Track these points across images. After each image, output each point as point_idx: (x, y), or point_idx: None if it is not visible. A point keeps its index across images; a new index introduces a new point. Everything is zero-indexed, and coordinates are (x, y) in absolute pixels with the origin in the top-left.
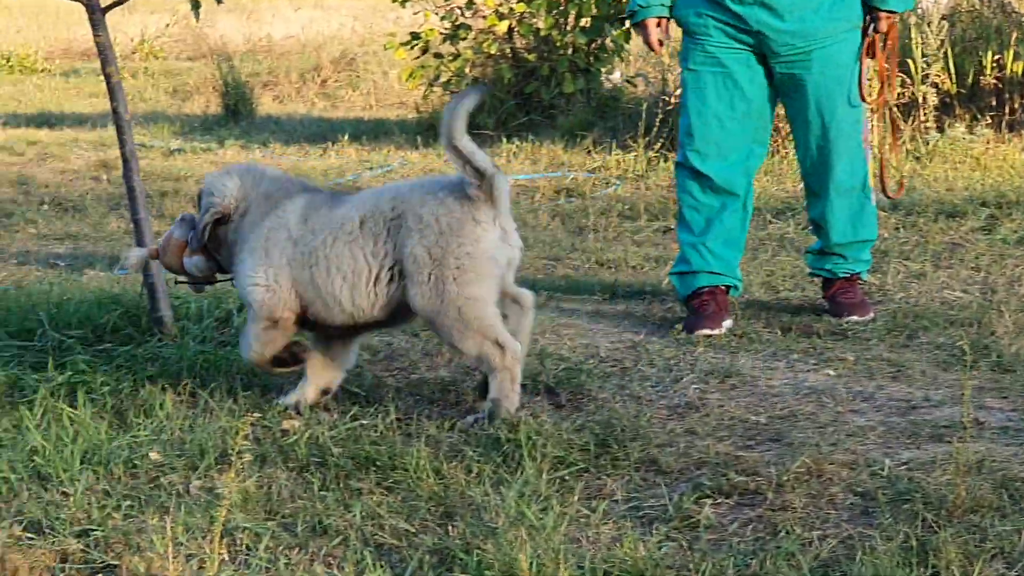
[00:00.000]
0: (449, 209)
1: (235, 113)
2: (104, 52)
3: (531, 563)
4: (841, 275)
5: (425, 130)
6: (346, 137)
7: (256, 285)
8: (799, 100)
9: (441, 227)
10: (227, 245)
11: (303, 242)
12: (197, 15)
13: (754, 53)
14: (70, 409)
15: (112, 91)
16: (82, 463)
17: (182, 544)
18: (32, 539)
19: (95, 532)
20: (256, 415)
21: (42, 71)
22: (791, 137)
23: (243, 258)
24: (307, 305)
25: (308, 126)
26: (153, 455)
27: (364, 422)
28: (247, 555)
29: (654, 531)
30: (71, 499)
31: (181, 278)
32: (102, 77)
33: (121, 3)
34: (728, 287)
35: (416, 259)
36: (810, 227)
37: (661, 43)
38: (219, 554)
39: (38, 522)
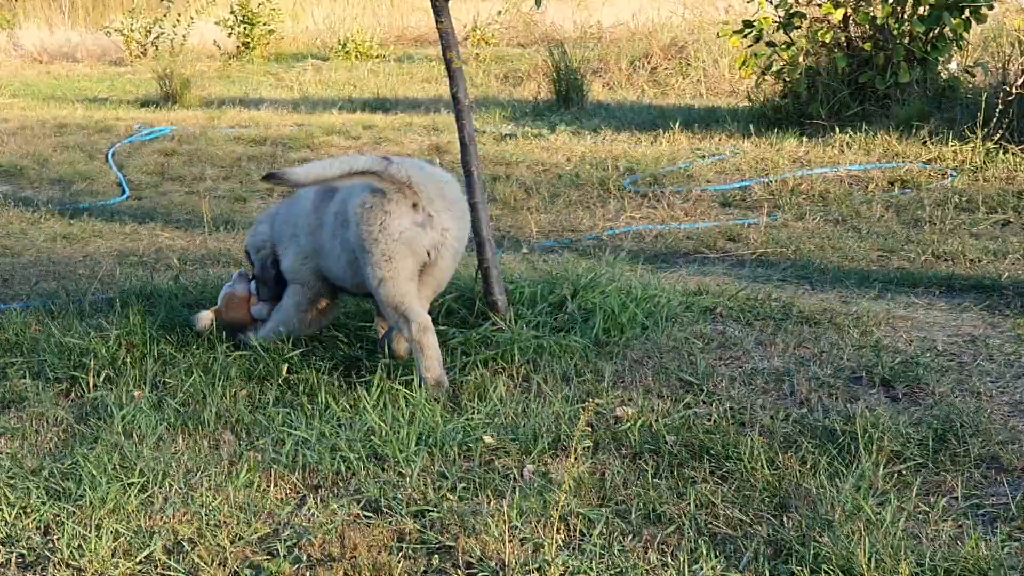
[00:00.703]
0: (363, 202)
1: (566, 99)
2: (446, 38)
3: (869, 558)
4: None
5: (757, 119)
6: (677, 125)
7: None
8: None
9: (359, 218)
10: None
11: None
12: (539, 2)
13: None
14: (406, 390)
15: (452, 76)
16: (417, 444)
17: (517, 527)
18: (370, 517)
19: (431, 513)
20: (591, 402)
21: (376, 57)
22: None
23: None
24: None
25: (638, 113)
26: (487, 439)
27: (697, 411)
28: (580, 540)
29: (996, 530)
30: (407, 479)
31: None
32: (434, 63)
33: None
34: None
35: (352, 246)
36: None
37: None
38: (557, 539)
39: (375, 501)
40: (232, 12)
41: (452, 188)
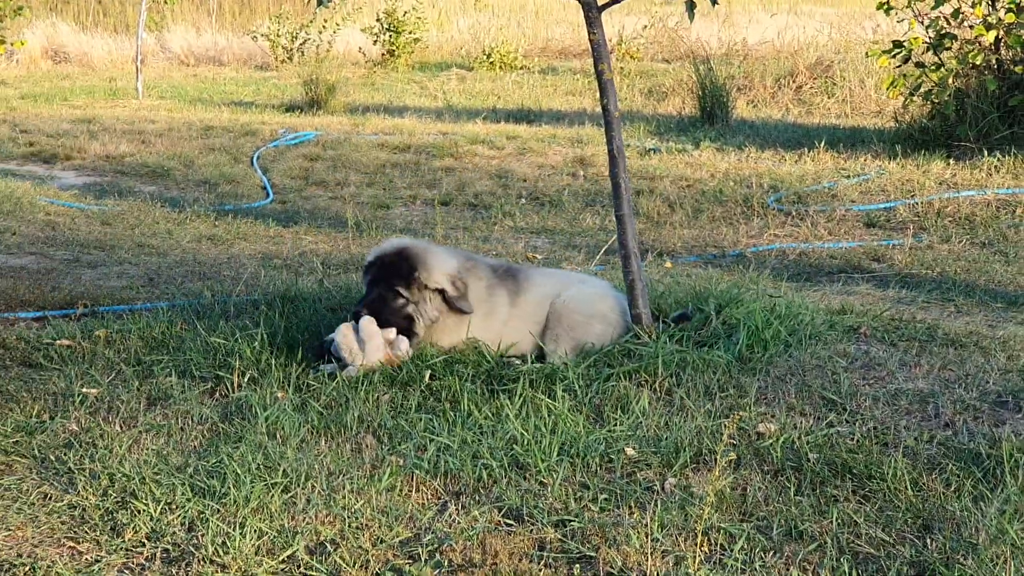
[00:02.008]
0: None
1: (711, 115)
2: (598, 49)
3: None
4: None
5: (903, 140)
6: (822, 144)
7: None
8: None
9: None
10: None
11: None
12: (692, 15)
13: None
14: (549, 400)
15: (603, 88)
16: (559, 454)
17: (658, 540)
18: (511, 525)
19: (572, 523)
20: (735, 416)
21: (521, 68)
22: None
23: None
24: None
25: (783, 131)
26: (629, 451)
27: (840, 429)
28: (722, 555)
29: None
30: (549, 489)
31: None
32: (578, 76)
33: (617, 2)
34: None
35: None
36: None
37: None
38: (699, 553)
39: (517, 509)
40: (378, 20)
41: None
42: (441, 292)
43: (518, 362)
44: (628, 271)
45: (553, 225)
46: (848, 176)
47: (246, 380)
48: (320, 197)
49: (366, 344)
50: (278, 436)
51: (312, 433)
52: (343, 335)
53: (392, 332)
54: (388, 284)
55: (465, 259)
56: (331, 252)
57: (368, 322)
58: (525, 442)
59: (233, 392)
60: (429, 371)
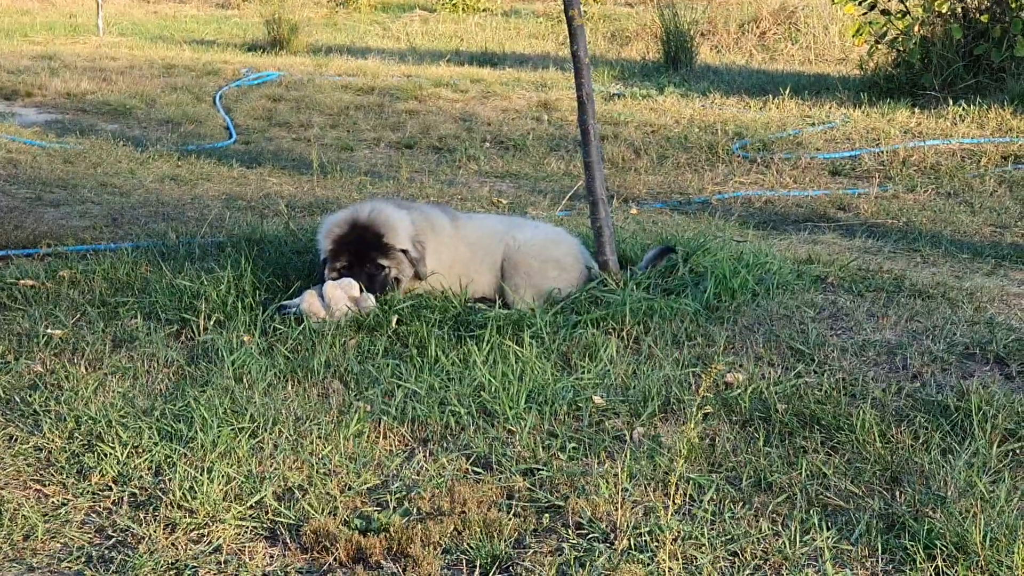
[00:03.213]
0: None
1: (675, 61)
2: None
3: (984, 536)
4: None
5: (868, 88)
6: (787, 91)
7: None
8: None
9: None
10: None
11: None
12: None
13: None
14: (516, 347)
15: (573, 34)
16: (527, 402)
17: (627, 490)
18: (479, 473)
19: (540, 471)
20: (713, 367)
21: (483, 10)
22: None
23: None
24: None
25: (747, 77)
26: (597, 399)
27: (808, 380)
28: (691, 506)
29: None
30: (517, 437)
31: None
32: (540, 20)
33: None
34: None
35: None
36: None
37: None
38: (672, 504)
39: (485, 457)
40: None
41: None
42: (404, 252)
43: (484, 307)
44: (596, 218)
45: (518, 169)
46: (813, 124)
47: (212, 323)
48: (284, 138)
49: (331, 308)
50: (244, 380)
51: (279, 378)
52: (309, 303)
53: (355, 289)
54: (368, 257)
55: (414, 211)
56: (296, 194)
57: (332, 287)
58: (493, 389)
59: (199, 335)
60: (396, 316)
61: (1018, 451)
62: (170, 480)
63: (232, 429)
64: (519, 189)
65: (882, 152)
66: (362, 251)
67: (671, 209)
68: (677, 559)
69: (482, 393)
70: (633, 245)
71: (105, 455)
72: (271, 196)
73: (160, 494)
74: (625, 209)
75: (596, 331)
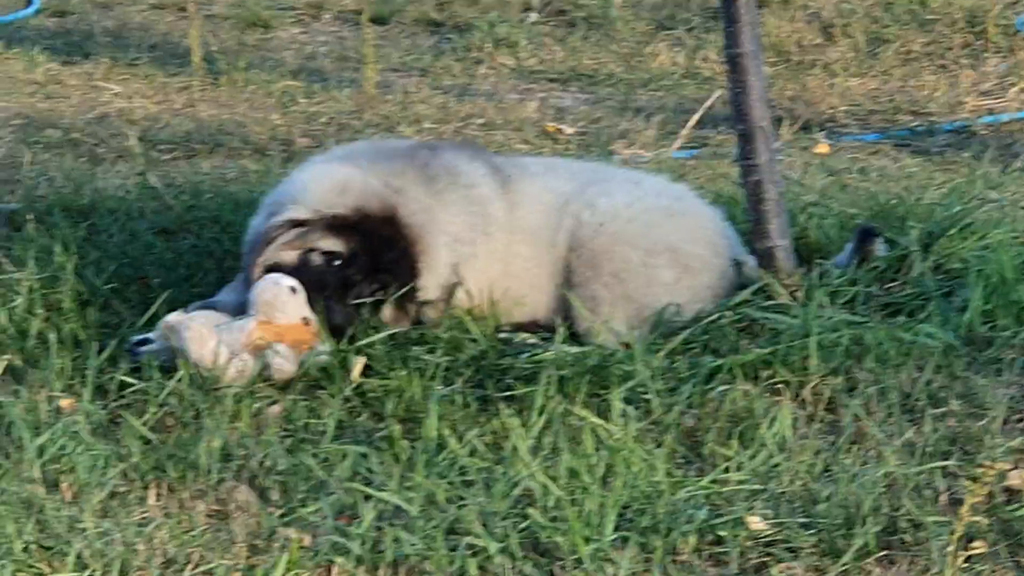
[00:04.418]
0: None
1: None
2: None
3: None
4: None
5: None
6: None
7: None
8: None
9: None
10: None
11: None
12: None
13: None
14: (596, 419)
15: None
16: (618, 528)
17: None
18: None
19: None
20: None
21: None
22: None
23: None
24: None
25: None
26: (753, 522)
27: None
28: None
29: None
30: None
31: None
32: None
33: None
34: None
35: None
36: None
37: None
38: None
39: None
40: None
41: None
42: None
43: (533, 341)
44: (750, 165)
45: (593, 64)
46: None
47: None
48: (132, 5)
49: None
50: (63, 486)
51: (130, 481)
52: (192, 335)
53: (300, 304)
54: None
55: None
56: (158, 114)
57: (266, 291)
58: (551, 503)
59: None
60: (361, 359)
61: None
62: None
63: None
64: (596, 105)
65: None
66: (383, 262)
67: (895, 144)
68: None
69: (530, 510)
70: (822, 219)
71: None
72: (110, 119)
73: None
74: (805, 143)
75: (752, 387)
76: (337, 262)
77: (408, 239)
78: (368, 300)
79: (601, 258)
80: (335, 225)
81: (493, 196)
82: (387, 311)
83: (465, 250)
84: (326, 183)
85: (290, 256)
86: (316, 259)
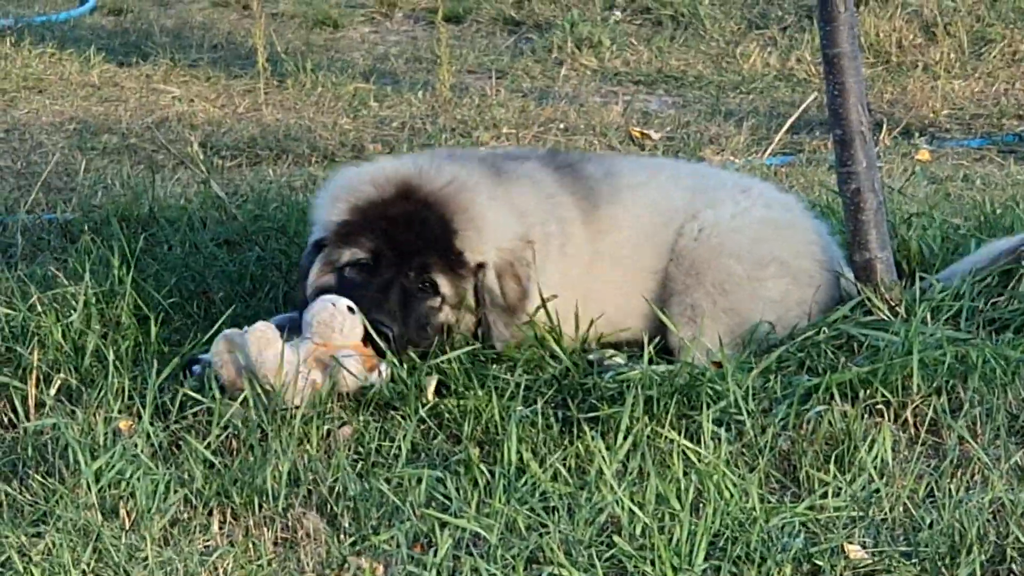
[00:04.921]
0: None
1: None
2: None
3: None
4: None
5: None
6: None
7: None
8: None
9: None
10: None
11: None
12: None
13: None
14: (685, 442)
15: None
16: (709, 557)
17: None
18: None
19: None
20: None
21: None
22: None
23: None
24: None
25: None
26: (853, 551)
27: None
28: None
29: None
30: None
31: None
32: None
33: None
34: None
35: None
36: None
37: None
38: None
39: None
40: None
41: None
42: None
43: (619, 360)
44: (848, 172)
45: (681, 65)
46: None
47: (52, 393)
48: (193, 2)
49: (264, 367)
50: (121, 513)
51: (193, 507)
52: (219, 354)
53: (355, 326)
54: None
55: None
56: (221, 119)
57: (321, 313)
58: (637, 530)
59: (22, 419)
60: (434, 379)
61: None
62: None
63: None
64: (684, 109)
65: None
66: (410, 243)
67: (1001, 150)
68: None
69: (615, 538)
70: (924, 229)
71: None
72: (170, 123)
73: None
74: (905, 150)
75: (850, 407)
76: (367, 267)
77: (434, 204)
78: (421, 297)
79: (703, 267)
80: (346, 233)
81: (576, 217)
82: (446, 310)
83: (535, 225)
84: (330, 192)
85: (327, 280)
86: (350, 273)
